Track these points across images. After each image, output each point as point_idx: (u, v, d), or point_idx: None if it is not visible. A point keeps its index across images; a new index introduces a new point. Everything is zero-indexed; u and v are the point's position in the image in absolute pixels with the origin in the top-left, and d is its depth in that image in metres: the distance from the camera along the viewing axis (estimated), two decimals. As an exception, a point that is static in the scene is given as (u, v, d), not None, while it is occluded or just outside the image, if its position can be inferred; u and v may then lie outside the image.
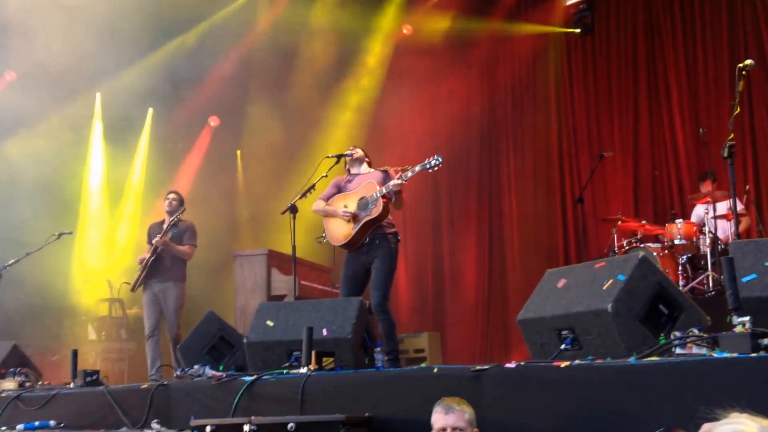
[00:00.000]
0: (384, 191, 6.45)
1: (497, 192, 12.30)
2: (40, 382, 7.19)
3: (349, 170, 7.04)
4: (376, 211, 6.48)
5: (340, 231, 6.69)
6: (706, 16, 10.78)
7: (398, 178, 6.39)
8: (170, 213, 8.48)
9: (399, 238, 6.72)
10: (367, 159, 7.07)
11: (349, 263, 6.69)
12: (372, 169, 6.95)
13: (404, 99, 12.38)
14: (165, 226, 8.37)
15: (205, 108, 12.24)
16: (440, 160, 6.31)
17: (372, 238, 6.56)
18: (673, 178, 10.75)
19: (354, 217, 6.58)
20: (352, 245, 6.64)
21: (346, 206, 6.68)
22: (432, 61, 12.39)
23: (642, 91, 11.22)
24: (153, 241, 8.31)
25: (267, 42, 11.84)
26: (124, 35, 10.60)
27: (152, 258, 8.29)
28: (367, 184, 6.66)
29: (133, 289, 8.68)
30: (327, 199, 6.89)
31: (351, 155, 7.00)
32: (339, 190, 6.90)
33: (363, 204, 6.58)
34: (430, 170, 6.39)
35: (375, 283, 6.49)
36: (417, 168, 6.38)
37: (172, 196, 8.61)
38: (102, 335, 10.64)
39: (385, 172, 6.75)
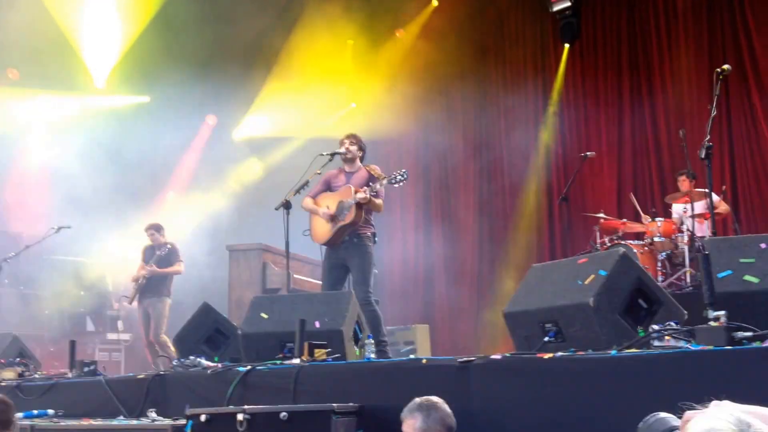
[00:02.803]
0: (357, 198, 6.71)
1: (488, 190, 12.44)
2: (38, 372, 7.27)
3: (345, 164, 7.22)
4: (349, 217, 6.79)
5: (321, 231, 7.02)
6: (688, 24, 10.98)
7: (368, 191, 6.70)
8: (155, 243, 9.67)
9: (376, 239, 7.03)
10: (360, 153, 7.22)
11: (328, 257, 7.03)
12: (362, 165, 7.12)
13: (399, 99, 12.54)
14: (157, 252, 9.56)
15: (203, 102, 12.30)
16: (406, 176, 6.66)
17: (350, 237, 6.87)
18: (655, 178, 10.95)
19: (333, 218, 6.86)
20: (330, 244, 6.98)
21: (328, 207, 6.96)
22: (426, 64, 12.56)
23: (626, 94, 11.43)
24: (143, 272, 9.52)
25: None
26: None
27: (144, 282, 9.50)
28: (345, 189, 6.93)
29: (129, 303, 9.80)
30: (315, 195, 7.15)
31: (344, 154, 7.18)
32: (328, 186, 7.10)
33: (341, 208, 6.87)
34: (395, 185, 6.71)
35: (357, 280, 6.81)
36: (384, 182, 6.69)
37: (150, 232, 9.73)
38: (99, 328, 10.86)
39: (370, 172, 6.94)
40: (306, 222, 8.31)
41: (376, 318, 6.70)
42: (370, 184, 6.80)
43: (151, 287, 9.56)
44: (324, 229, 6.99)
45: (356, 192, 6.76)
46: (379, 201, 6.87)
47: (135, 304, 9.69)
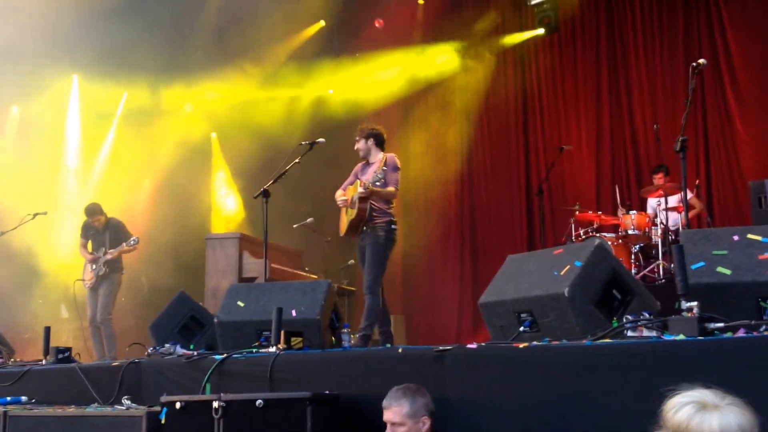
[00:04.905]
0: (358, 194, 6.81)
1: (469, 181, 12.51)
2: (12, 359, 7.23)
3: (366, 158, 7.27)
4: (353, 212, 6.90)
5: (341, 224, 7.20)
6: (663, 19, 11.14)
7: (362, 186, 6.79)
8: (100, 227, 9.21)
9: (393, 226, 7.01)
10: (370, 143, 7.19)
11: (357, 245, 7.15)
12: (381, 154, 7.13)
13: (378, 86, 12.59)
14: (107, 242, 9.12)
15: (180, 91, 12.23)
16: (383, 174, 6.76)
17: (366, 227, 6.96)
18: (632, 172, 11.08)
19: (347, 206, 7.00)
20: (349, 236, 7.13)
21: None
22: (405, 52, 12.62)
23: (603, 88, 11.56)
24: (103, 260, 9.03)
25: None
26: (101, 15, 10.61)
27: (106, 269, 9.04)
28: (356, 184, 6.99)
29: (88, 287, 9.19)
30: (345, 188, 7.25)
31: (323, 142, 7.25)
32: (357, 178, 7.20)
33: (352, 202, 6.97)
34: (378, 182, 6.77)
35: (366, 269, 6.93)
36: (368, 183, 6.76)
37: (92, 218, 9.20)
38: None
39: (384, 162, 6.97)
40: (284, 211, 8.34)
41: (370, 306, 6.83)
42: (359, 187, 6.85)
43: (108, 269, 9.14)
44: (343, 222, 7.15)
45: (360, 186, 6.85)
46: (388, 190, 6.90)
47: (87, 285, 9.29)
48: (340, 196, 7.23)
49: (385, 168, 6.82)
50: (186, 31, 11.54)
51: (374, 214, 6.90)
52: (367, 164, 7.22)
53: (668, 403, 2.12)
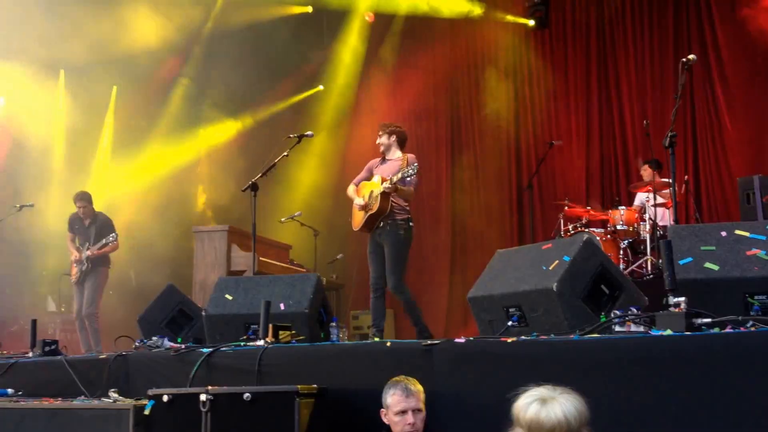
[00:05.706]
0: (381, 189, 6.82)
1: (459, 175, 12.53)
2: (-2, 352, 7.21)
3: (383, 154, 7.26)
4: (375, 206, 6.89)
5: (356, 218, 7.20)
6: (653, 14, 11.19)
7: (387, 182, 6.80)
8: (86, 217, 9.19)
9: (411, 224, 7.04)
10: (392, 140, 7.20)
11: (369, 242, 7.15)
12: (400, 153, 7.16)
13: (371, 88, 12.61)
14: (91, 238, 9.11)
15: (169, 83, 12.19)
16: (416, 169, 6.73)
17: (384, 223, 6.95)
18: (621, 167, 11.12)
19: (365, 208, 6.98)
20: (365, 231, 7.11)
21: (364, 196, 7.06)
22: (393, 51, 12.63)
23: (593, 83, 11.60)
24: (85, 256, 9.03)
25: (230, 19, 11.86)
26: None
27: (89, 266, 9.03)
28: (377, 179, 7.02)
29: (75, 283, 9.22)
30: (358, 183, 7.26)
31: (311, 136, 7.26)
32: (371, 174, 7.22)
33: (371, 197, 6.99)
34: (408, 178, 6.77)
35: (388, 269, 6.92)
36: (395, 178, 6.75)
37: (80, 204, 9.17)
38: (62, 308, 10.71)
39: (407, 162, 6.98)
40: (273, 205, 8.28)
41: (408, 303, 6.93)
42: (390, 176, 6.85)
43: (92, 264, 9.13)
44: (358, 217, 7.14)
45: (383, 182, 6.84)
46: (406, 189, 6.92)
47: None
48: (354, 193, 7.21)
49: (409, 167, 6.81)
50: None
51: (395, 210, 6.93)
52: (383, 160, 7.22)
53: (515, 406, 2.55)
